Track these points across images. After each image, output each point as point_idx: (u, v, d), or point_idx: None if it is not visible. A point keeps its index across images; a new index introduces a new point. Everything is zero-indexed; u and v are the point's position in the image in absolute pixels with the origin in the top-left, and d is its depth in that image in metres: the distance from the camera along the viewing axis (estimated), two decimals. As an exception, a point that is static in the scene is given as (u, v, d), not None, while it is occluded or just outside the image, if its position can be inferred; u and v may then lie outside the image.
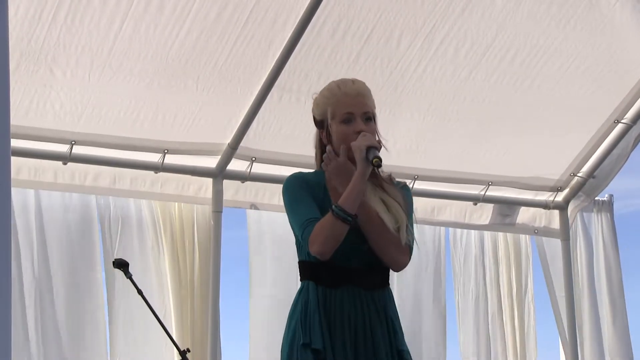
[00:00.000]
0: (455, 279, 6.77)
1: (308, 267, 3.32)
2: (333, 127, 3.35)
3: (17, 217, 5.56)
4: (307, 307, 3.26)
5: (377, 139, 3.34)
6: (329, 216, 3.20)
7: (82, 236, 5.75)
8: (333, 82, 3.44)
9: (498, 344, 6.77)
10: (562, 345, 6.80)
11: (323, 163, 3.33)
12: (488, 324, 6.78)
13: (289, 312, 3.35)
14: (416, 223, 3.46)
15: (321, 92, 3.43)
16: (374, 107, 3.40)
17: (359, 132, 3.29)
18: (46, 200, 5.69)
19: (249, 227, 6.23)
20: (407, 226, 3.33)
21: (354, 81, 3.40)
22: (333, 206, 3.20)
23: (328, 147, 3.34)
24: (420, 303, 6.54)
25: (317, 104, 3.43)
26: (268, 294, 6.16)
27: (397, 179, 3.50)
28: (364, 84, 3.41)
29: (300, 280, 3.38)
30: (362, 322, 3.27)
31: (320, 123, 3.42)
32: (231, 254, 6.28)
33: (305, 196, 3.32)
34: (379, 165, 3.20)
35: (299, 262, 3.39)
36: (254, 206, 6.13)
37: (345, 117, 3.33)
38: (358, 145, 3.23)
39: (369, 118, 3.35)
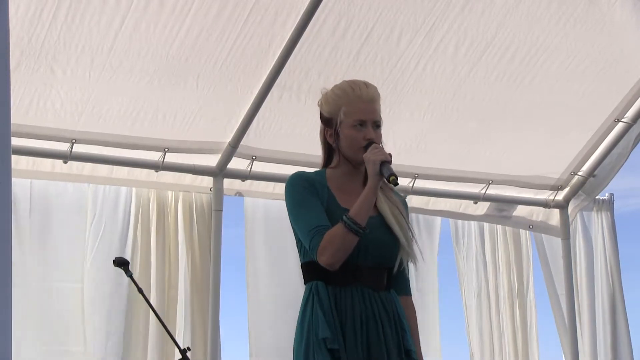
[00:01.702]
0: (460, 277, 6.78)
1: (315, 268, 3.27)
2: (342, 129, 3.33)
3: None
4: (321, 307, 3.23)
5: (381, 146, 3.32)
6: (340, 228, 3.18)
7: (71, 227, 5.75)
8: (345, 81, 3.40)
9: (500, 341, 6.76)
10: (562, 344, 6.80)
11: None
12: (491, 322, 6.77)
13: (299, 315, 3.31)
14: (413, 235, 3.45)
15: (333, 89, 3.40)
16: (380, 111, 3.39)
17: (368, 140, 3.29)
18: (38, 189, 5.68)
19: (246, 219, 6.23)
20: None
21: (367, 85, 3.37)
22: (345, 218, 3.18)
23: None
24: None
25: (327, 101, 3.39)
26: (266, 287, 6.17)
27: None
28: (376, 88, 3.38)
29: (305, 282, 3.35)
30: (373, 322, 3.25)
31: (327, 121, 3.39)
32: (231, 251, 6.28)
33: (311, 199, 3.29)
34: (397, 184, 3.20)
35: (304, 264, 3.35)
36: (238, 193, 6.13)
37: (357, 122, 3.31)
38: (372, 159, 3.22)
39: (378, 126, 3.35)
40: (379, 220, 3.33)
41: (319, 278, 3.28)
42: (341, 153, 3.37)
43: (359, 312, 3.24)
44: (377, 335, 3.24)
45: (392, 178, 3.17)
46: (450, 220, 6.76)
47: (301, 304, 3.33)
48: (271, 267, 6.18)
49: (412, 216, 6.18)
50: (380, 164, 3.20)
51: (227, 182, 6.06)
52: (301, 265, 3.38)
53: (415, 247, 3.36)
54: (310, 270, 3.32)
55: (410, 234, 3.35)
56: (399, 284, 3.41)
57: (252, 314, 6.10)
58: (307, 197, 3.30)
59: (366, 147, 3.29)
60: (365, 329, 3.24)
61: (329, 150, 3.43)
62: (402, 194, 3.61)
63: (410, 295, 3.48)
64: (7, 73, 2.09)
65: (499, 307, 6.80)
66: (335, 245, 3.18)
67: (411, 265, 3.44)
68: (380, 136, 3.35)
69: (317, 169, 3.45)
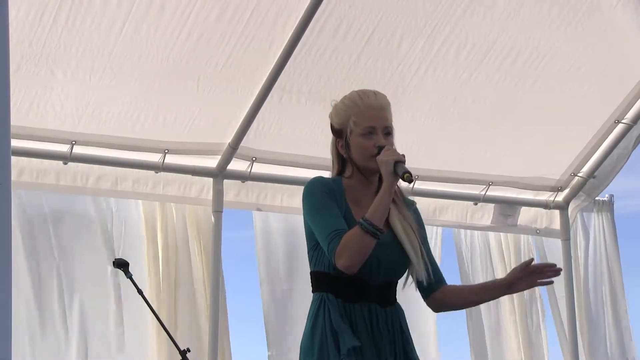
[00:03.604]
0: (462, 279, 6.78)
1: (326, 279, 3.28)
2: (353, 138, 3.33)
3: (20, 219, 5.58)
4: (332, 317, 3.23)
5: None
6: (357, 230, 3.17)
7: (88, 236, 5.76)
8: (354, 91, 3.40)
9: (507, 343, 6.78)
10: (562, 345, 6.80)
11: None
12: (497, 324, 6.79)
13: (308, 324, 3.30)
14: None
15: (342, 100, 3.40)
16: (392, 120, 3.38)
17: (379, 147, 3.27)
18: (51, 202, 5.69)
19: (255, 225, 6.24)
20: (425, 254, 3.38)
21: (376, 93, 3.37)
22: (362, 220, 3.17)
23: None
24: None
25: (337, 112, 3.39)
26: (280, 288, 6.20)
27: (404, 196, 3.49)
28: (385, 96, 3.39)
29: (314, 291, 3.35)
30: (379, 337, 3.26)
31: (338, 132, 3.39)
32: (239, 253, 6.32)
33: (330, 204, 3.28)
34: (411, 181, 3.21)
35: (313, 273, 3.35)
36: (258, 208, 6.14)
37: (367, 131, 3.30)
38: (385, 160, 3.20)
39: (389, 133, 3.34)
40: (391, 237, 3.34)
41: (328, 290, 3.29)
42: (353, 163, 3.37)
43: (367, 327, 3.26)
44: (384, 349, 3.26)
45: (407, 175, 3.17)
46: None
47: (310, 312, 3.33)
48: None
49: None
50: (394, 163, 3.19)
51: (243, 196, 6.09)
52: (310, 274, 3.38)
53: (425, 266, 3.35)
54: (320, 280, 3.32)
55: (421, 252, 3.35)
56: (435, 279, 3.42)
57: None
58: (326, 202, 3.29)
59: (378, 154, 3.27)
60: (374, 343, 3.25)
61: (342, 162, 3.42)
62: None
63: (446, 282, 3.49)
64: (7, 75, 2.09)
65: (510, 308, 6.82)
66: (352, 247, 3.16)
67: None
68: (392, 144, 3.34)
69: (335, 177, 3.43)
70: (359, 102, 3.34)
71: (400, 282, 3.41)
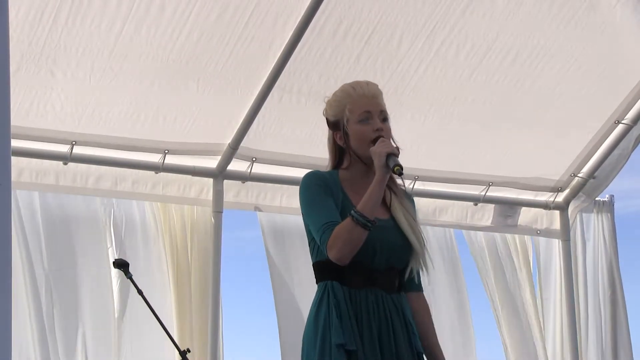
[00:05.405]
0: (481, 275, 6.77)
1: (330, 268, 3.28)
2: (350, 127, 3.35)
3: (23, 218, 5.58)
4: (337, 308, 3.24)
5: (394, 144, 3.34)
6: (348, 221, 3.20)
7: (89, 237, 5.76)
8: (346, 84, 3.44)
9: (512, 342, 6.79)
10: (561, 345, 6.79)
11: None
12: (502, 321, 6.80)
13: (312, 313, 3.32)
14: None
15: (334, 94, 3.43)
16: (385, 107, 3.41)
17: (377, 130, 3.31)
18: (53, 202, 5.70)
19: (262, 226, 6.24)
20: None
21: (368, 83, 3.41)
22: (352, 211, 3.20)
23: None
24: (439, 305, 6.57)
25: (330, 105, 3.42)
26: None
27: (401, 186, 3.50)
28: (377, 86, 3.43)
29: (318, 281, 3.36)
30: (385, 324, 3.28)
31: (334, 124, 3.41)
32: (239, 253, 6.32)
33: (325, 197, 3.31)
34: (401, 174, 3.21)
35: (316, 263, 3.37)
36: (257, 208, 6.15)
37: (364, 117, 3.34)
38: (378, 151, 3.23)
39: (385, 118, 3.38)
40: (392, 223, 3.36)
41: (333, 278, 3.30)
42: (352, 152, 3.38)
43: (373, 314, 3.27)
44: (388, 337, 3.27)
45: (397, 168, 3.18)
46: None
47: (314, 302, 3.34)
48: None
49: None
50: (387, 156, 3.21)
51: (243, 196, 6.09)
52: (313, 265, 3.39)
53: (427, 255, 3.38)
54: (324, 269, 3.34)
55: (423, 241, 3.38)
56: (411, 280, 3.42)
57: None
58: (320, 195, 3.32)
59: (375, 142, 3.29)
60: (378, 331, 3.27)
61: (340, 154, 3.43)
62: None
63: (422, 291, 3.49)
64: (7, 75, 2.09)
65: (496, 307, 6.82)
66: (343, 238, 3.19)
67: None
68: (389, 129, 3.37)
69: (332, 170, 3.44)
70: (352, 92, 3.38)
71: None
